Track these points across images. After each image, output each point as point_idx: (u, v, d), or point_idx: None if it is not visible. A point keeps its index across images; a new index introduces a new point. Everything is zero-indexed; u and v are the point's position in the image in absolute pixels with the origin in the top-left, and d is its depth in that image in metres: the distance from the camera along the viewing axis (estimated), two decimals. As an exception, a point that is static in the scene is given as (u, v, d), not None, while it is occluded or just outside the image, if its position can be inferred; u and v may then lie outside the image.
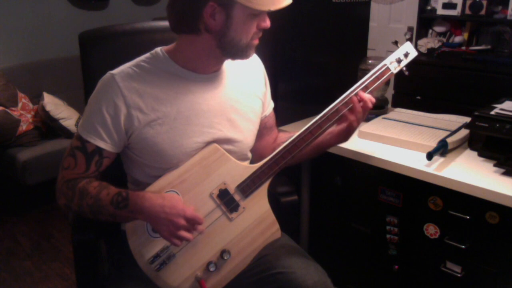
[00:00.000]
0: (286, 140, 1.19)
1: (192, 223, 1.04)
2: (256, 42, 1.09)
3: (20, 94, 2.83)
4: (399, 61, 1.24)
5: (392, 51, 1.27)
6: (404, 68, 1.26)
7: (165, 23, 1.38)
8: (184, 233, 1.02)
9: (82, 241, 1.18)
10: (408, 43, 1.25)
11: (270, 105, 1.31)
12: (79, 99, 1.61)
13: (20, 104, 2.79)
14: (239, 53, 1.07)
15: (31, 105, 2.86)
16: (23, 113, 2.77)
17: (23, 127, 2.72)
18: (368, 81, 1.20)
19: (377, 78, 1.21)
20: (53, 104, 2.78)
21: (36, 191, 2.80)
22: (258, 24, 1.04)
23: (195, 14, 1.00)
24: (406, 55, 1.24)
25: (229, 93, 1.15)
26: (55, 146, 2.75)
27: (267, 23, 1.06)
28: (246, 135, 1.19)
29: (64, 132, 2.83)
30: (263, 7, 0.98)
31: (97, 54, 1.29)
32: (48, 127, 2.84)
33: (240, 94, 1.17)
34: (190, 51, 1.07)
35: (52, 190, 1.11)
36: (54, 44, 3.28)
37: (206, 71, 1.10)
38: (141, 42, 1.30)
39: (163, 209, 1.02)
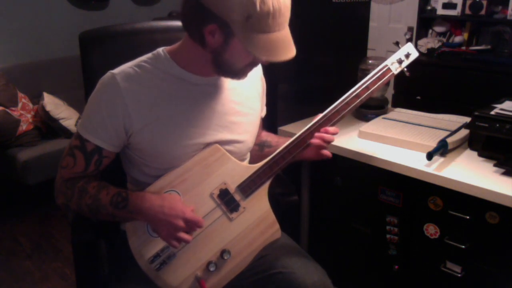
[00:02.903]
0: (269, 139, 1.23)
1: (191, 225, 1.04)
2: (251, 69, 1.07)
3: (20, 94, 2.83)
4: (400, 61, 1.24)
5: (392, 51, 1.27)
6: (405, 69, 1.26)
7: (165, 23, 1.38)
8: (182, 235, 1.02)
9: (82, 241, 1.18)
10: (410, 43, 1.26)
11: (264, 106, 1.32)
12: (79, 99, 1.61)
13: (20, 104, 2.79)
14: (231, 75, 1.06)
15: (31, 105, 2.86)
16: (23, 113, 2.77)
17: (23, 127, 2.72)
18: (369, 82, 1.21)
19: (378, 78, 1.21)
20: (53, 104, 2.78)
21: (36, 191, 2.80)
22: (255, 58, 1.01)
23: (197, 25, 0.99)
24: (407, 55, 1.24)
25: (231, 95, 1.14)
26: (55, 146, 2.75)
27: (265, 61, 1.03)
28: (247, 136, 1.18)
29: (64, 132, 2.83)
30: (261, 55, 0.96)
31: (98, 54, 1.29)
32: (48, 127, 2.84)
33: (241, 96, 1.17)
34: (192, 54, 1.06)
35: (52, 190, 1.12)
36: (54, 44, 3.28)
37: (207, 74, 1.09)
38: (141, 42, 1.30)
39: (162, 210, 1.02)
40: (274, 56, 0.97)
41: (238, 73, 1.06)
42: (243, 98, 1.17)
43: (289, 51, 0.99)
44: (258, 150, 1.31)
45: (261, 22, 0.92)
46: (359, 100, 1.20)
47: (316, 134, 1.14)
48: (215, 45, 0.99)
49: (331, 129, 1.15)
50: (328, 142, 1.15)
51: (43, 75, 3.13)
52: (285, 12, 0.95)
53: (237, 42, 0.97)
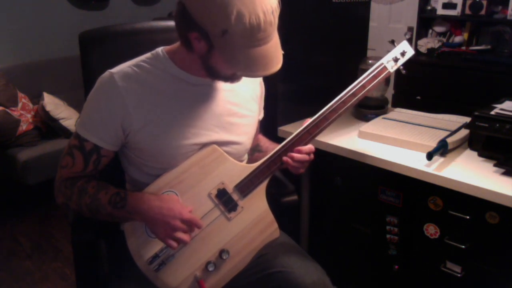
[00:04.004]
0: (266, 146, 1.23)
1: (190, 226, 1.04)
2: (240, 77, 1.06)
3: (20, 94, 2.83)
4: (396, 60, 1.24)
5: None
6: (401, 67, 1.27)
7: (165, 23, 1.38)
8: (180, 235, 1.02)
9: (82, 241, 1.18)
10: (405, 41, 1.26)
11: (262, 110, 1.31)
12: (79, 99, 1.61)
13: (20, 104, 2.79)
14: (222, 79, 1.06)
15: (31, 105, 2.86)
16: (23, 113, 2.77)
17: (23, 127, 2.72)
18: (365, 80, 1.21)
19: (374, 77, 1.22)
20: (53, 104, 2.78)
21: (36, 191, 2.80)
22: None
23: (183, 30, 0.99)
24: (403, 54, 1.25)
25: (228, 96, 1.14)
26: (55, 146, 2.75)
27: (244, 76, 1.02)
28: (245, 138, 1.18)
29: (64, 132, 2.83)
30: (237, 70, 0.95)
31: (97, 54, 1.29)
32: (48, 127, 2.84)
33: (239, 98, 1.17)
34: (187, 55, 1.05)
35: (52, 190, 1.12)
36: (54, 44, 3.28)
37: (204, 75, 1.09)
38: (141, 42, 1.30)
39: (160, 211, 1.02)
40: (252, 71, 0.96)
41: (229, 78, 1.05)
42: (241, 100, 1.17)
43: (270, 67, 0.96)
44: (249, 154, 1.30)
45: (237, 37, 0.91)
46: (356, 98, 1.20)
47: (289, 153, 1.12)
48: (201, 51, 0.99)
49: (304, 148, 1.14)
50: (299, 161, 1.12)
51: (43, 75, 3.13)
52: (266, 28, 0.91)
53: (217, 53, 0.96)
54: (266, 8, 0.90)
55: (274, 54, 0.96)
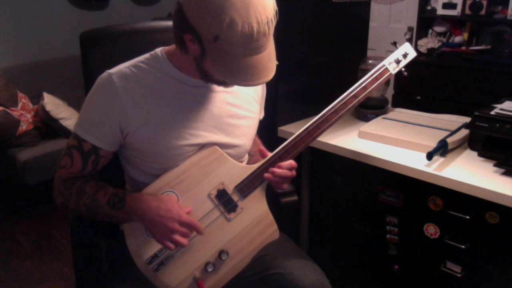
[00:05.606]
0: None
1: (188, 228, 1.04)
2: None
3: (20, 94, 2.83)
4: (398, 61, 1.24)
5: (392, 51, 1.27)
6: (403, 69, 1.26)
7: (165, 23, 1.38)
8: (178, 237, 1.02)
9: (81, 241, 1.18)
10: (407, 43, 1.26)
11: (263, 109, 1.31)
12: (79, 99, 1.61)
13: (20, 104, 2.79)
14: (216, 83, 1.05)
15: (31, 105, 2.86)
16: (23, 113, 2.77)
17: (23, 127, 2.72)
18: (367, 82, 1.21)
19: (376, 78, 1.22)
20: (53, 104, 2.78)
21: (36, 191, 2.80)
22: None
23: (178, 30, 0.99)
24: (405, 55, 1.24)
25: (227, 97, 1.14)
26: (55, 146, 2.75)
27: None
28: (244, 140, 1.18)
29: (64, 132, 2.83)
30: (226, 77, 0.95)
31: (98, 54, 1.29)
32: (48, 127, 2.84)
33: (239, 99, 1.16)
34: (182, 56, 1.04)
35: (52, 190, 1.12)
36: (54, 44, 3.29)
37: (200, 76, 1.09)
38: (141, 42, 1.30)
39: (158, 212, 1.02)
40: (241, 80, 0.95)
41: (222, 83, 1.04)
42: (241, 101, 1.17)
43: (259, 77, 0.95)
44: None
45: (228, 44, 0.90)
46: (357, 100, 1.20)
47: (270, 169, 1.11)
48: (195, 53, 0.98)
49: (284, 164, 1.12)
50: (281, 177, 1.11)
51: (43, 75, 3.13)
52: (259, 38, 0.90)
53: (209, 58, 0.96)
54: (261, 18, 0.89)
55: (266, 65, 0.95)
